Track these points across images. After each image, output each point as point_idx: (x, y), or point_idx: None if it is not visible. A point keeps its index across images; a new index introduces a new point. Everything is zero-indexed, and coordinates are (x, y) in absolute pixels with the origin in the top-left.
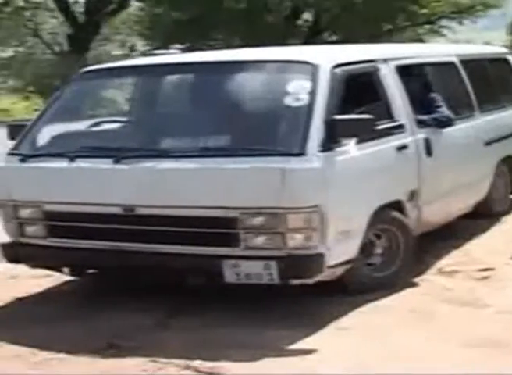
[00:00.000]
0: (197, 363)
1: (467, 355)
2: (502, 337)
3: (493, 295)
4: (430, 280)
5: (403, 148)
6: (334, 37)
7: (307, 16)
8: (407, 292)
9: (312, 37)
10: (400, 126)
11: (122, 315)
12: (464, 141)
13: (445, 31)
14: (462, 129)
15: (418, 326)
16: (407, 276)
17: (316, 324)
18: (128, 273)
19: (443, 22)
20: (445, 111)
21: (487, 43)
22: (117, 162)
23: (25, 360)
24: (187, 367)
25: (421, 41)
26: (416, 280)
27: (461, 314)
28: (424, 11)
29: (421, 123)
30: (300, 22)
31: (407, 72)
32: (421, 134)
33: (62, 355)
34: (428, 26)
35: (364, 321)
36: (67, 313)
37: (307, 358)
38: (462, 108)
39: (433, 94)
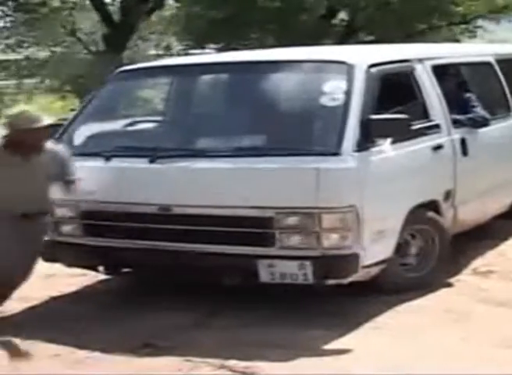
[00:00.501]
0: (231, 363)
1: (504, 356)
2: None
3: None
4: (465, 280)
5: (438, 147)
6: (369, 37)
7: (342, 15)
8: (442, 292)
9: (347, 36)
10: (436, 126)
11: (157, 314)
12: (500, 140)
13: (480, 31)
14: (498, 129)
15: (454, 326)
16: (442, 277)
17: (350, 324)
18: (163, 272)
19: (479, 22)
20: (480, 111)
21: None
22: (152, 161)
23: (63, 359)
24: (222, 367)
25: (457, 40)
26: (451, 280)
27: (497, 314)
28: (460, 9)
29: (456, 123)
30: (335, 21)
31: (442, 72)
32: (457, 134)
33: (97, 354)
34: (463, 26)
35: (398, 321)
36: (102, 312)
37: (341, 358)
38: (498, 108)
39: (469, 94)
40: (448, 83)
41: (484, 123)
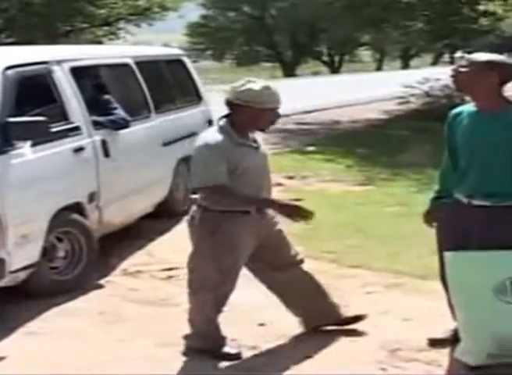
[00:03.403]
0: None
1: (162, 354)
2: None
3: (180, 294)
4: (115, 281)
5: (79, 149)
6: (10, 39)
7: None
8: (94, 294)
9: None
10: (76, 128)
11: None
12: (142, 141)
13: (123, 33)
14: (139, 130)
15: (109, 327)
16: (92, 279)
17: (3, 330)
18: None
19: (121, 24)
20: (121, 112)
21: (166, 45)
22: None
23: None
24: None
25: (99, 42)
26: (102, 281)
27: (150, 314)
28: (102, 12)
29: (97, 125)
30: None
31: (81, 73)
32: (98, 136)
33: None
34: (106, 28)
35: (52, 325)
36: None
37: None
38: (138, 110)
39: (109, 96)
40: (88, 85)
41: (124, 124)
